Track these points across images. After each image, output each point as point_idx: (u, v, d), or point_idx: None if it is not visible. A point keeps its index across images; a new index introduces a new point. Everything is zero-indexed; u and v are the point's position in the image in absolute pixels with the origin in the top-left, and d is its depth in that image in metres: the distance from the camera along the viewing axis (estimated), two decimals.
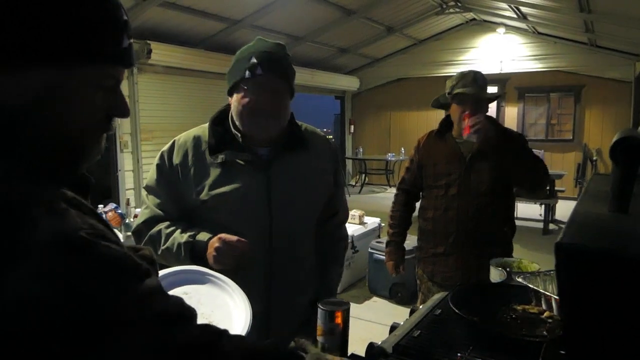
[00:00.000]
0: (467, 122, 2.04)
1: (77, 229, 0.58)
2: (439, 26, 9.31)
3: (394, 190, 2.55)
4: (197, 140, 1.46)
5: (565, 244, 0.52)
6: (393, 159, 9.83)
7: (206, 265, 1.30)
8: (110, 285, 0.59)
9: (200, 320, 1.06)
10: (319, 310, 1.20)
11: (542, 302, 1.28)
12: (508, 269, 1.62)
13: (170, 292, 1.11)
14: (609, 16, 6.10)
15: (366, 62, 10.35)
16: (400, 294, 4.16)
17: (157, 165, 1.46)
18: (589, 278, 0.52)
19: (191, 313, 0.69)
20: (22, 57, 0.62)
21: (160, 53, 5.88)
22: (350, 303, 1.26)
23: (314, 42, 8.07)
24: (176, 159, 1.44)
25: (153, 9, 5.45)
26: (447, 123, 2.30)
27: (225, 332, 0.72)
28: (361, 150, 10.53)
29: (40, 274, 0.54)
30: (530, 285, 1.27)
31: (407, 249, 2.49)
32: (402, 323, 1.26)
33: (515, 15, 7.84)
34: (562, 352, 0.69)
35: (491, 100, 2.30)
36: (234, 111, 1.43)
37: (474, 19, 9.24)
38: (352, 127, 11.19)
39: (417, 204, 2.47)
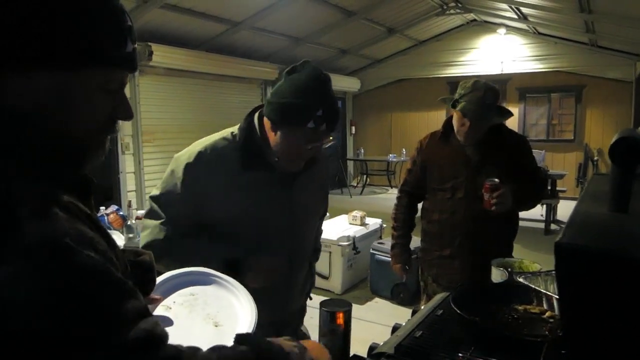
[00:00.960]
0: (488, 197, 2.00)
1: (63, 235, 0.58)
2: (440, 27, 9.31)
3: (395, 191, 2.54)
4: (225, 152, 1.40)
5: (564, 244, 0.52)
6: (394, 159, 9.83)
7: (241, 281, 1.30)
8: (84, 300, 0.57)
9: (206, 321, 1.06)
10: (321, 312, 1.20)
11: (544, 302, 1.29)
12: (509, 269, 1.62)
13: (177, 294, 1.12)
14: (610, 16, 6.10)
15: (367, 63, 10.36)
16: (402, 295, 4.16)
17: (183, 180, 1.36)
18: (588, 278, 0.52)
19: (161, 339, 0.66)
20: (27, 60, 0.63)
21: (162, 55, 5.89)
22: (352, 304, 1.27)
23: (314, 44, 8.08)
24: (205, 175, 1.37)
25: (154, 11, 5.46)
26: (450, 125, 2.28)
27: (195, 350, 0.70)
28: (362, 151, 10.54)
29: (19, 277, 0.54)
30: (531, 286, 1.28)
31: None
32: (404, 324, 1.26)
33: (515, 16, 7.84)
34: (563, 351, 0.70)
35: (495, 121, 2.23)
36: (278, 143, 1.37)
37: (475, 20, 9.24)
38: (354, 128, 11.20)
39: (419, 205, 2.47)
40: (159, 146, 6.34)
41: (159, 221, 1.38)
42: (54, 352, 0.55)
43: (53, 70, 0.64)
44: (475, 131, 2.13)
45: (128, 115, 0.75)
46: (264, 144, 1.40)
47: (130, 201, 4.17)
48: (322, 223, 1.76)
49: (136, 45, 0.74)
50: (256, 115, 1.44)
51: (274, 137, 1.38)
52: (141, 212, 3.53)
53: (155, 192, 1.42)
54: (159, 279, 1.11)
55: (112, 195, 5.89)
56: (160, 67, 6.12)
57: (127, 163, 6.03)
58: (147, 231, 1.40)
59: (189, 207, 1.37)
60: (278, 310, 1.24)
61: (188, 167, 1.37)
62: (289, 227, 1.46)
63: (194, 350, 0.70)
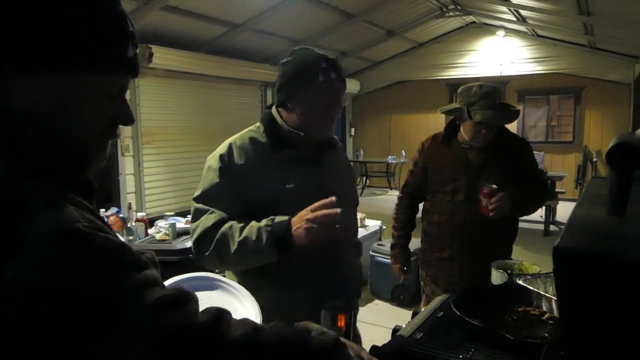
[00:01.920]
0: (486, 203, 2.01)
1: (73, 221, 0.61)
2: (439, 29, 9.33)
3: (395, 193, 2.56)
4: (253, 141, 1.50)
5: (562, 248, 0.53)
6: (394, 161, 9.83)
7: (289, 247, 1.32)
8: (106, 274, 0.61)
9: None
10: (322, 314, 1.21)
11: (543, 304, 1.29)
12: (509, 271, 1.63)
13: None
14: (608, 18, 6.12)
15: (367, 65, 10.37)
16: (402, 297, 4.17)
17: (220, 168, 1.45)
18: (586, 281, 0.53)
19: (189, 297, 0.69)
20: (31, 63, 0.63)
21: (162, 57, 5.89)
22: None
23: (314, 46, 8.01)
24: (238, 160, 1.46)
25: (154, 13, 5.47)
26: (452, 128, 2.29)
27: (225, 312, 0.71)
28: (362, 152, 10.54)
29: (37, 264, 0.56)
30: (530, 287, 1.29)
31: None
32: (404, 326, 1.27)
33: (514, 18, 7.86)
34: (562, 353, 0.70)
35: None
36: (303, 113, 1.48)
37: (474, 22, 9.26)
38: (353, 129, 11.20)
39: (420, 206, 2.48)
40: (158, 148, 6.34)
41: (206, 214, 1.43)
42: (81, 328, 0.57)
43: (53, 73, 0.65)
44: (493, 134, 2.15)
45: (129, 119, 0.76)
46: (286, 127, 1.50)
47: (130, 203, 4.18)
48: (356, 214, 1.82)
49: (138, 51, 0.75)
50: (273, 107, 1.56)
51: (294, 118, 1.49)
52: (141, 214, 3.53)
53: (197, 192, 1.49)
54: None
55: (111, 197, 5.89)
56: (161, 69, 6.12)
57: (126, 165, 6.02)
58: (197, 229, 1.42)
59: (230, 194, 1.44)
60: (332, 295, 1.29)
61: (222, 156, 1.47)
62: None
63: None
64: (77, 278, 0.58)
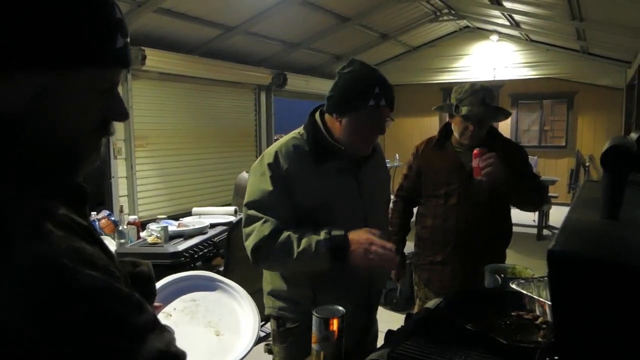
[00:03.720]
0: (478, 163, 1.98)
1: (59, 255, 0.54)
2: (433, 33, 9.37)
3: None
4: (298, 149, 1.56)
5: (557, 252, 0.52)
6: (388, 165, 9.80)
7: (345, 259, 1.41)
8: (88, 318, 0.54)
9: (207, 329, 1.05)
10: (314, 318, 1.20)
11: (536, 308, 1.29)
12: (502, 275, 1.63)
13: (179, 300, 1.11)
14: (600, 24, 6.17)
15: None
16: (395, 301, 4.16)
17: (271, 177, 1.51)
18: (581, 285, 0.52)
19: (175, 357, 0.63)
20: (13, 63, 0.60)
21: (155, 59, 5.86)
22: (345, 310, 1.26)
23: (309, 49, 8.10)
24: (284, 166, 1.52)
25: (148, 15, 5.45)
26: (446, 131, 2.29)
27: None
28: None
29: (14, 300, 0.50)
30: (524, 292, 1.28)
31: None
32: (397, 330, 1.26)
33: (508, 23, 7.90)
34: (556, 357, 0.70)
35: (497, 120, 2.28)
36: (346, 131, 1.55)
37: (468, 27, 9.31)
38: None
39: (414, 210, 2.47)
40: (151, 151, 6.30)
41: (260, 221, 1.48)
42: None
43: (35, 73, 0.60)
44: (480, 132, 2.15)
45: (123, 115, 0.71)
46: (329, 137, 1.57)
47: (122, 206, 4.14)
48: (388, 211, 1.91)
49: (127, 40, 0.69)
50: (317, 113, 1.63)
51: (339, 128, 1.56)
52: (133, 217, 3.50)
53: (247, 199, 1.54)
54: (159, 284, 1.09)
55: (104, 200, 5.84)
56: (154, 72, 6.09)
57: (119, 168, 5.98)
58: (252, 235, 1.49)
59: (282, 201, 1.50)
60: (363, 290, 1.44)
61: (271, 165, 1.53)
62: (363, 208, 1.60)
63: None
64: (55, 322, 0.52)
